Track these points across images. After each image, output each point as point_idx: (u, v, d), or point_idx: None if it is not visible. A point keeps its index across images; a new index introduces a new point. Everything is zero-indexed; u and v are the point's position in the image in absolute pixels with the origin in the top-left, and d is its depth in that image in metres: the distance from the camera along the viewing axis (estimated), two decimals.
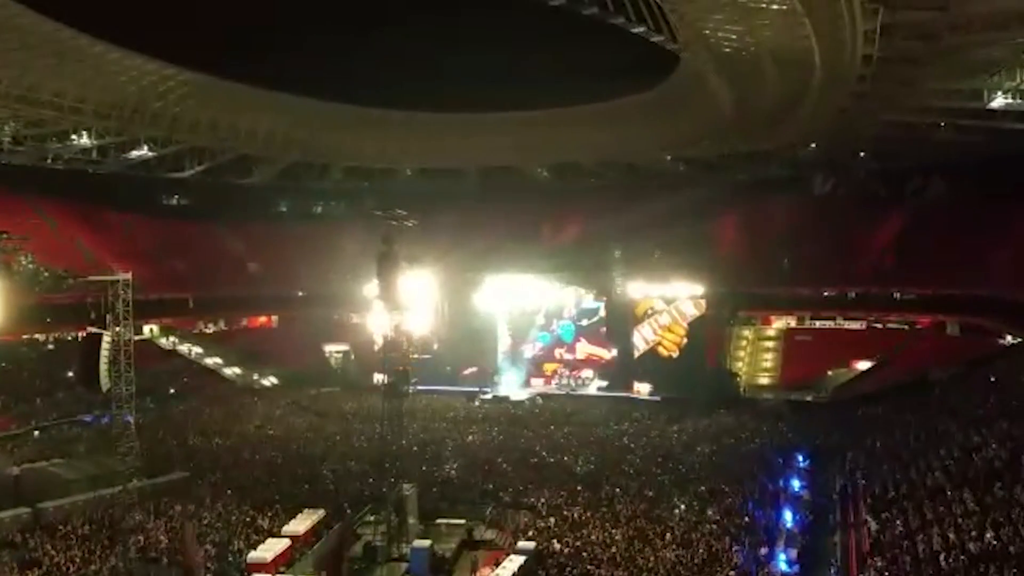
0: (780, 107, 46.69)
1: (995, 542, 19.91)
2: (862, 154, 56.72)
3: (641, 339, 51.34)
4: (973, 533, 20.80)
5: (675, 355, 50.17)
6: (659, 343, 50.89)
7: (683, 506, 28.15)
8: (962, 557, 19.71)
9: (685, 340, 50.17)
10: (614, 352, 52.43)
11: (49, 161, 53.25)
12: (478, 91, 52.15)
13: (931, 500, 24.25)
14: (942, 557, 20.07)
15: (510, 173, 65.61)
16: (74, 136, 51.86)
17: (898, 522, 23.44)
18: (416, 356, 30.25)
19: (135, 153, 55.53)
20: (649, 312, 51.30)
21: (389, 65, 53.90)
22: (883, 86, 40.10)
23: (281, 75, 51.29)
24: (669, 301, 50.75)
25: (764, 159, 57.90)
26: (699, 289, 50.37)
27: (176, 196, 67.50)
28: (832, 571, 23.42)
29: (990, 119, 41.14)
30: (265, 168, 62.90)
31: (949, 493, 24.16)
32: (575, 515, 27.77)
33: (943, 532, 21.50)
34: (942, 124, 45.90)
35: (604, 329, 52.99)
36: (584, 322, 53.60)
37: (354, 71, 53.14)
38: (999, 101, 39.15)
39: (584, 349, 53.37)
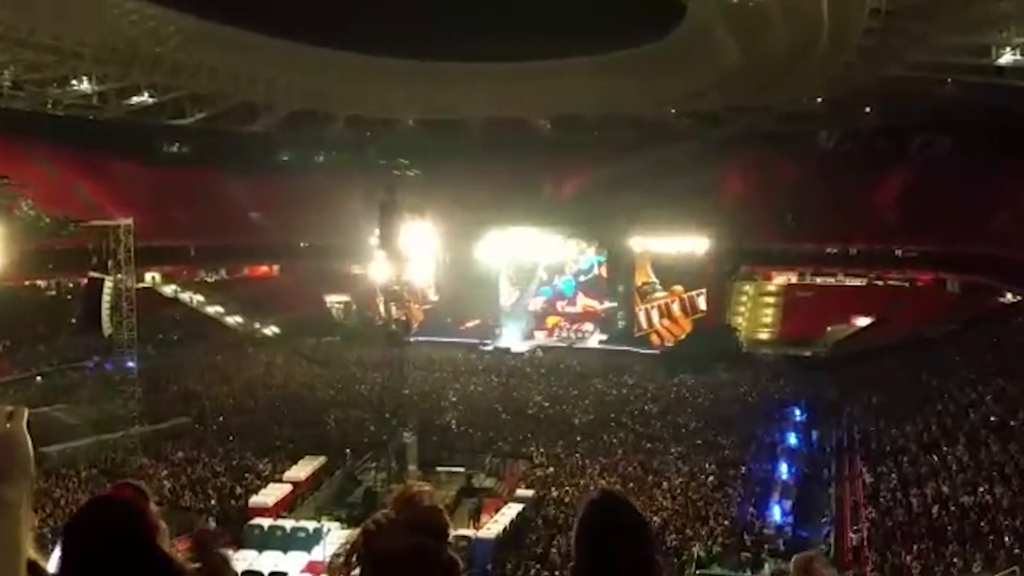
0: (786, 60, 46.20)
1: (988, 496, 20.17)
2: (868, 109, 56.25)
3: (646, 320, 51.30)
4: (967, 487, 21.07)
5: (668, 344, 49.93)
6: (657, 331, 50.81)
7: (680, 458, 28.48)
8: (954, 509, 19.98)
9: (684, 336, 50.14)
10: (607, 304, 52.46)
11: (49, 107, 52.82)
12: (482, 41, 51.51)
13: (926, 454, 24.51)
14: (935, 510, 20.34)
15: (513, 125, 65.07)
16: (74, 81, 51.35)
17: (893, 475, 23.72)
18: (418, 306, 30.34)
19: (135, 99, 55.02)
20: (651, 288, 51.29)
21: (392, 13, 53.16)
22: (890, 40, 39.64)
23: (283, 21, 50.64)
24: (690, 290, 50.76)
25: (769, 113, 57.42)
26: (702, 243, 50.34)
27: (177, 144, 67.01)
28: (825, 522, 23.76)
29: (998, 76, 40.71)
30: (267, 116, 62.41)
31: (944, 448, 24.42)
32: (573, 464, 28.11)
33: (937, 485, 21.77)
34: (948, 80, 45.46)
35: (605, 279, 52.90)
36: (582, 278, 53.56)
37: (357, 18, 52.43)
38: (1007, 57, 38.78)
39: (582, 302, 53.39)
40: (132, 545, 1.73)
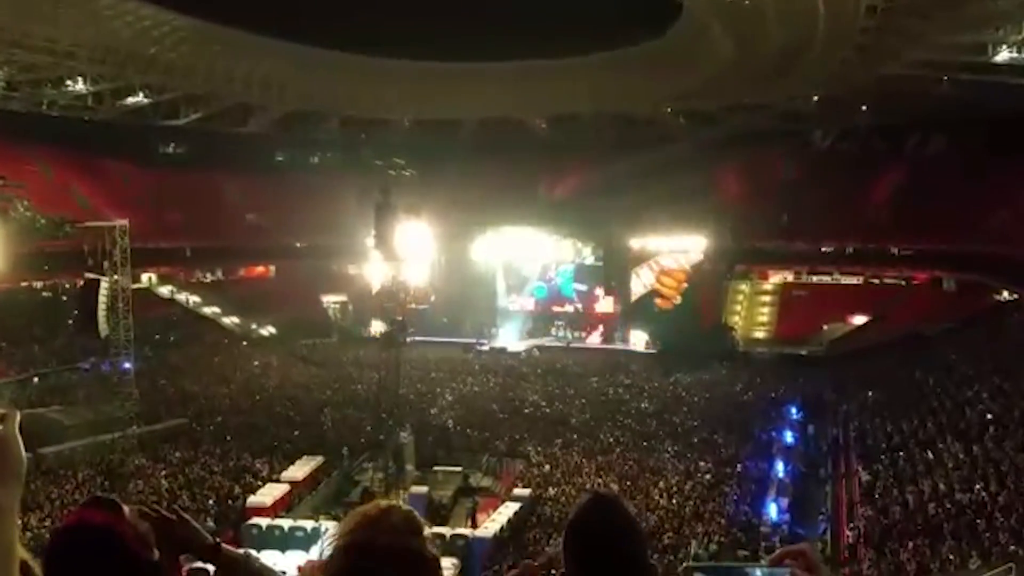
0: (782, 59, 46.23)
1: (983, 493, 20.23)
2: (863, 108, 56.31)
3: (640, 283, 51.27)
4: (961, 485, 21.13)
5: (676, 301, 49.87)
6: (657, 290, 50.77)
7: (676, 456, 28.53)
8: (950, 507, 20.03)
9: (685, 285, 50.14)
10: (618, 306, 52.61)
11: (44, 107, 52.71)
12: (478, 40, 51.49)
13: (922, 452, 24.58)
14: (931, 507, 20.40)
15: (509, 125, 65.05)
16: (69, 82, 51.27)
17: (889, 473, 23.78)
18: (414, 305, 30.35)
19: (130, 100, 54.94)
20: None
21: (387, 13, 53.12)
22: (887, 39, 39.70)
23: (278, 21, 50.56)
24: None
25: (764, 112, 57.46)
26: (698, 243, 50.41)
27: (172, 144, 66.94)
28: (822, 520, 23.82)
29: (994, 74, 40.79)
30: (262, 117, 62.35)
31: (940, 445, 24.48)
32: (570, 463, 28.16)
33: (933, 483, 21.83)
34: (944, 78, 45.54)
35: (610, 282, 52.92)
36: (586, 273, 53.61)
37: (352, 18, 52.38)
38: (1003, 55, 38.82)
39: (603, 307, 53.34)
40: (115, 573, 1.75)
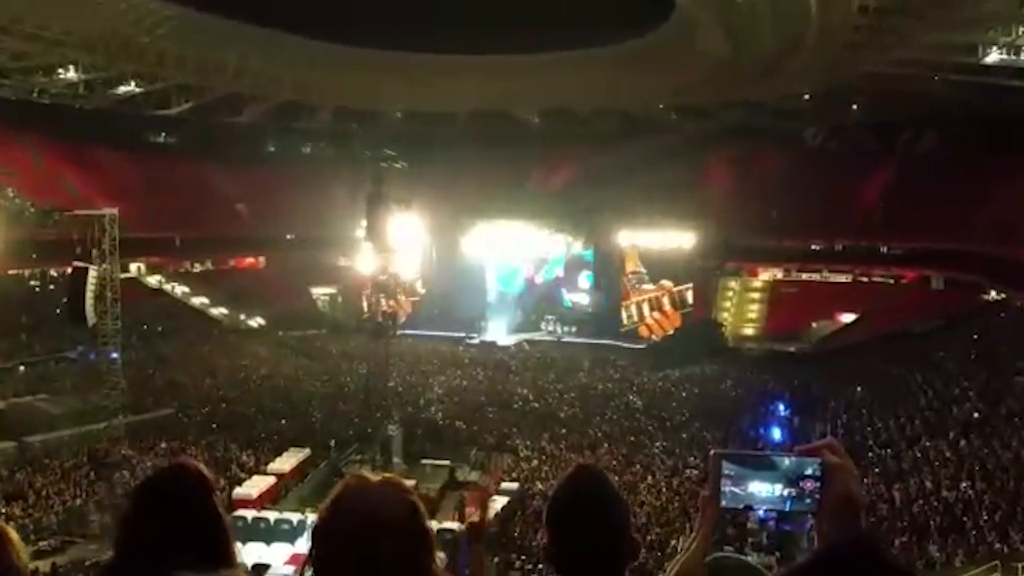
0: (775, 56, 46.28)
1: (970, 491, 20.31)
2: (855, 106, 56.41)
3: (637, 312, 51.43)
4: (948, 482, 21.22)
5: (655, 337, 50.09)
6: (647, 324, 50.82)
7: (664, 451, 28.58)
8: (936, 504, 20.11)
9: (672, 330, 50.33)
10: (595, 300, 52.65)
11: (35, 95, 52.37)
12: (471, 33, 51.36)
13: (909, 449, 24.67)
14: (917, 505, 20.47)
15: (501, 118, 64.98)
16: (60, 70, 50.95)
17: (876, 470, 23.86)
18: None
19: (122, 89, 54.61)
20: (639, 278, 51.37)
21: (380, 5, 52.94)
22: (879, 37, 39.79)
23: (271, 12, 50.32)
24: (679, 285, 50.91)
25: (756, 110, 57.51)
26: (688, 238, 50.45)
27: (163, 134, 66.60)
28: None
29: (984, 75, 40.91)
30: (253, 107, 62.08)
31: (927, 443, 24.58)
32: (558, 457, 28.16)
33: (920, 480, 21.91)
34: (935, 77, 45.68)
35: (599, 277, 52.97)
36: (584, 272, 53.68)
37: (345, 9, 52.18)
38: (993, 56, 38.94)
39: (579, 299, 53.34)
40: (196, 500, 2.10)
